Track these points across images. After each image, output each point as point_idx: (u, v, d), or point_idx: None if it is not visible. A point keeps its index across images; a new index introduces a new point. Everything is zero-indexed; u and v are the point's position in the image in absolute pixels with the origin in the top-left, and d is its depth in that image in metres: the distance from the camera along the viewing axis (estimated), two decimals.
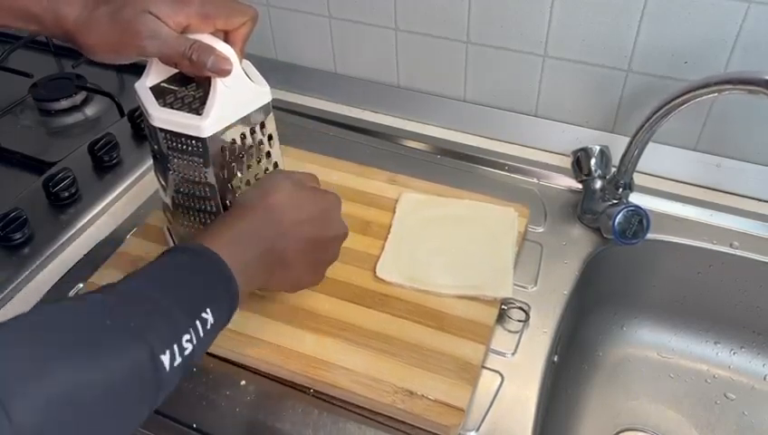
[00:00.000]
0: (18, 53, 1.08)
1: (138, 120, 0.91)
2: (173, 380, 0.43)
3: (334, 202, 0.60)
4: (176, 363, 0.42)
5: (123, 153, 0.88)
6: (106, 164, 0.86)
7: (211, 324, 0.46)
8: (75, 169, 0.83)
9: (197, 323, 0.45)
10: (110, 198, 0.83)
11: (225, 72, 0.56)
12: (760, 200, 0.80)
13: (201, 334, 0.45)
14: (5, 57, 1.05)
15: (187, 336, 0.43)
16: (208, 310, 0.46)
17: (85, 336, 0.39)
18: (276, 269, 0.56)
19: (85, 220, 0.80)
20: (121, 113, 0.95)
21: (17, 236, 0.76)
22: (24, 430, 0.34)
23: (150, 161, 0.86)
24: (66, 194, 0.81)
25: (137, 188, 0.85)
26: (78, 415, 0.36)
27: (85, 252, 0.76)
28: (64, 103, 0.98)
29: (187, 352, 0.43)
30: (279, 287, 0.61)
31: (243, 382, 0.63)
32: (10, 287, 0.72)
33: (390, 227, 0.75)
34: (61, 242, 0.77)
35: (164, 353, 0.41)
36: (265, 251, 0.54)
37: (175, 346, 0.42)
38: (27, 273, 0.74)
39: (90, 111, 0.99)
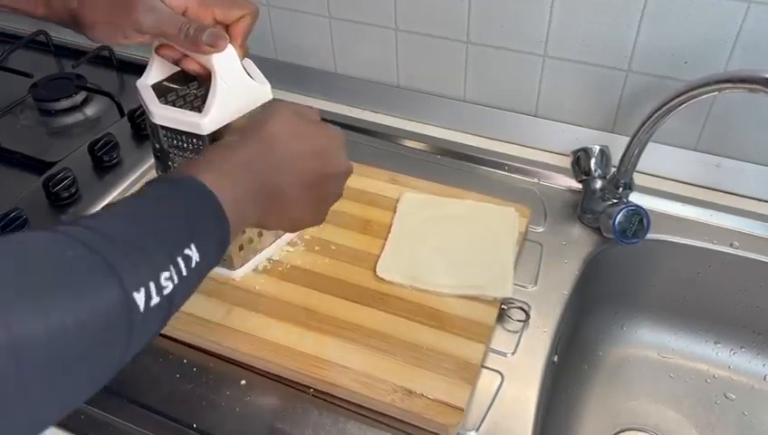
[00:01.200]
0: (18, 53, 1.08)
1: (138, 120, 0.91)
2: (150, 322, 0.38)
3: (338, 136, 0.56)
4: (152, 303, 0.37)
5: (123, 153, 0.88)
6: (106, 164, 0.86)
7: (196, 262, 0.41)
8: (75, 169, 0.83)
9: (179, 259, 0.40)
10: (110, 198, 0.83)
11: (220, 47, 0.55)
12: (760, 200, 0.80)
13: (184, 273, 0.40)
14: (5, 57, 1.05)
15: (166, 274, 0.39)
16: (193, 246, 0.41)
17: (48, 271, 0.35)
18: (273, 205, 0.51)
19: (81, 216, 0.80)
20: (121, 113, 0.95)
21: None
22: None
23: (151, 161, 0.86)
24: (66, 194, 0.81)
25: (137, 188, 0.85)
26: (40, 357, 0.32)
27: None
28: (64, 103, 0.98)
29: (166, 292, 0.38)
30: (277, 226, 0.57)
31: (243, 382, 0.63)
32: None
33: (391, 226, 0.75)
34: None
35: (137, 291, 0.36)
36: (261, 184, 0.49)
37: (151, 284, 0.37)
38: None
39: (90, 111, 0.99)
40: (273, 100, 0.62)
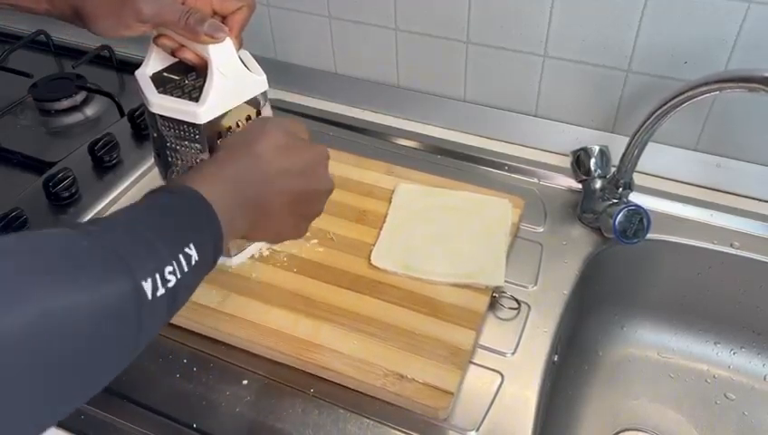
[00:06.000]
0: (18, 53, 1.07)
1: (138, 119, 0.91)
2: (155, 311, 0.41)
3: (322, 155, 0.58)
4: (158, 293, 0.41)
5: (123, 153, 0.88)
6: (106, 164, 0.86)
7: (195, 261, 0.45)
8: (75, 169, 0.83)
9: (180, 256, 0.43)
10: (110, 198, 0.83)
11: (219, 39, 0.56)
12: (760, 200, 0.80)
13: (185, 269, 0.43)
14: (5, 57, 1.05)
15: (169, 268, 0.42)
16: (192, 245, 0.44)
17: (65, 258, 0.38)
18: (259, 218, 0.54)
19: (85, 220, 0.80)
20: (121, 113, 0.95)
21: None
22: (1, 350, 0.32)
23: (151, 161, 0.86)
24: (66, 194, 0.81)
25: (137, 188, 0.85)
26: (59, 339, 0.35)
27: None
28: (64, 103, 0.98)
29: (170, 285, 0.42)
30: (262, 237, 0.60)
31: (244, 382, 0.63)
32: None
33: (386, 216, 0.76)
34: None
35: (145, 280, 0.40)
36: (249, 198, 0.52)
37: (157, 275, 0.41)
38: None
39: (90, 111, 0.99)
40: (265, 117, 0.63)
